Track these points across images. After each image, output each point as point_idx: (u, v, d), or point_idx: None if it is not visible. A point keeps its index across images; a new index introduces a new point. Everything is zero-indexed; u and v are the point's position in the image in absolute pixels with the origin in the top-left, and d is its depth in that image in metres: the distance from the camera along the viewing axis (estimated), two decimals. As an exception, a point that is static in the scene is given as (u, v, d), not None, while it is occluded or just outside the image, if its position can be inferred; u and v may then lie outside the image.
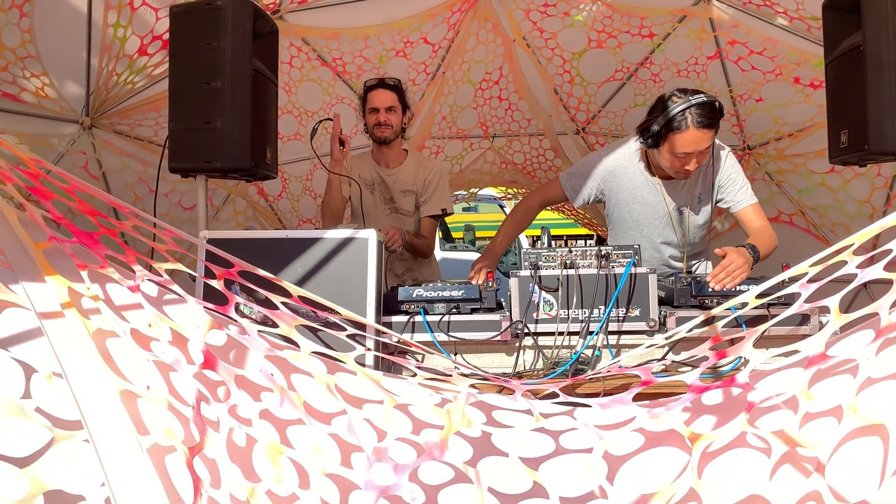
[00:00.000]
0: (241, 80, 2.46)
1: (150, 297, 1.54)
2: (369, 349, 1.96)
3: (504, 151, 5.53)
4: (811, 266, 1.58)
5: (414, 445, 1.49)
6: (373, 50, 4.42)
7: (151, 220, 1.69)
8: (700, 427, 1.49)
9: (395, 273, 3.37)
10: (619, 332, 2.18)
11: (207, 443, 1.36)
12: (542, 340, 2.17)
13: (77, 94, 3.61)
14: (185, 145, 2.50)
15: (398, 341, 2.07)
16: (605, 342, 2.14)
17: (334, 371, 1.63)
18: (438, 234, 7.55)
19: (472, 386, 1.72)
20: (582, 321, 2.15)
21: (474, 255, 8.86)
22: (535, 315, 2.18)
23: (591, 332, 2.12)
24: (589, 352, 2.13)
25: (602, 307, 2.15)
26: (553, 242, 11.33)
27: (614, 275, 2.16)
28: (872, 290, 1.57)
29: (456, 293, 2.23)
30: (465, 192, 6.42)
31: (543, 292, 2.18)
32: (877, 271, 1.47)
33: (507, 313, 2.20)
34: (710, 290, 2.19)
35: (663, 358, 2.10)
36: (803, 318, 2.12)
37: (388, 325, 2.19)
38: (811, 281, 1.59)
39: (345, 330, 1.85)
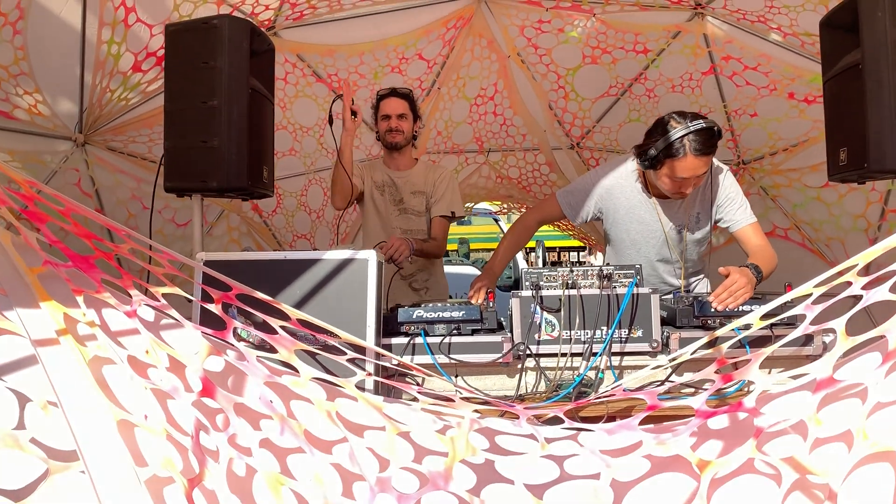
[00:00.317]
0: (237, 99, 2.45)
1: (147, 322, 1.51)
2: (370, 374, 1.92)
3: (499, 166, 5.55)
4: (815, 287, 1.57)
5: (417, 475, 1.46)
6: (368, 66, 4.43)
7: (148, 242, 1.67)
8: (708, 453, 1.47)
9: (402, 275, 3.35)
10: (622, 354, 2.15)
11: (207, 474, 1.32)
12: (544, 362, 2.14)
13: (70, 111, 3.59)
14: (181, 164, 2.47)
15: (398, 364, 2.04)
16: (608, 364, 2.12)
17: (334, 397, 1.60)
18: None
19: (476, 411, 1.69)
20: (584, 342, 2.13)
21: (468, 269, 8.86)
22: (536, 336, 2.15)
23: (595, 354, 2.10)
24: (592, 373, 2.10)
25: (605, 328, 2.13)
26: (546, 254, 11.31)
27: (616, 295, 2.14)
28: (872, 310, 1.56)
29: (457, 314, 2.20)
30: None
31: (545, 313, 2.15)
32: (882, 293, 1.46)
33: (509, 334, 2.17)
34: (712, 309, 2.17)
35: (666, 380, 2.08)
36: (807, 339, 2.10)
37: (388, 347, 2.15)
38: (816, 302, 1.57)
39: (345, 354, 1.82)
